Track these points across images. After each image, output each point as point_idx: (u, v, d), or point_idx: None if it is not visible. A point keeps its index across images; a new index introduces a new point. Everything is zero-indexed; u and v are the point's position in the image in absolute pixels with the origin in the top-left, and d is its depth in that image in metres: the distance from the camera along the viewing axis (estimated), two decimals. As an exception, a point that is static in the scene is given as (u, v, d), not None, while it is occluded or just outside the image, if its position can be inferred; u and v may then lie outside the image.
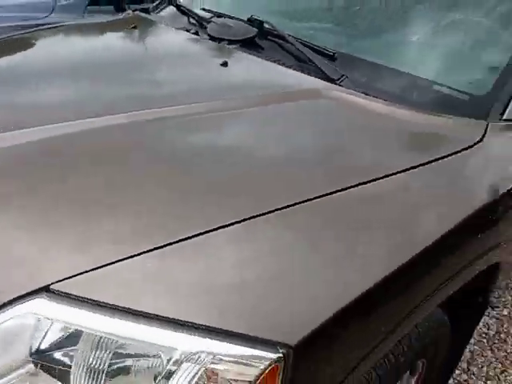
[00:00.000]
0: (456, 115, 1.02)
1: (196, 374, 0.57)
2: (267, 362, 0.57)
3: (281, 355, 0.57)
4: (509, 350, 1.97)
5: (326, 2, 1.60)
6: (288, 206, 0.73)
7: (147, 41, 1.50)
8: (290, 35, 1.26)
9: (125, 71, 1.21)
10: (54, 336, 0.60)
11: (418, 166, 0.86)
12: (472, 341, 1.97)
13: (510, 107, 1.02)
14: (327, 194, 0.76)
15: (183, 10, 1.70)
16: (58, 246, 0.67)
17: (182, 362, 0.57)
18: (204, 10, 1.65)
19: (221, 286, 0.63)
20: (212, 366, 0.57)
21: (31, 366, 0.60)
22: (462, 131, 0.98)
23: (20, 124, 0.87)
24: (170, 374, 0.58)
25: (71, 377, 0.59)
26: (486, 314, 2.14)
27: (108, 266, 0.62)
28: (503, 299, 2.26)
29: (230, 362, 0.58)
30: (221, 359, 0.57)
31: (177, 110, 0.96)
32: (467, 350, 1.91)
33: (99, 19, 1.90)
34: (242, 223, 0.70)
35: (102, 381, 0.58)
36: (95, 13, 3.37)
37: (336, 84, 1.10)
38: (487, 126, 1.00)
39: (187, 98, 1.02)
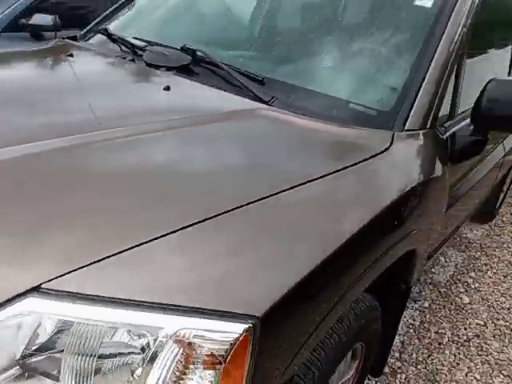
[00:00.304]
0: (368, 127, 1.22)
1: (177, 350, 0.66)
2: (240, 331, 0.68)
3: (250, 325, 0.68)
4: (432, 337, 2.21)
5: (249, 33, 1.77)
6: (232, 210, 0.85)
7: (85, 68, 1.55)
8: (222, 62, 1.40)
9: (66, 98, 1.27)
10: (46, 332, 0.66)
11: (338, 170, 1.02)
12: (401, 332, 2.19)
13: (409, 120, 1.24)
14: (260, 199, 0.88)
15: (114, 39, 1.78)
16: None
17: (165, 342, 0.66)
18: (136, 38, 1.74)
19: (194, 273, 0.72)
20: (191, 340, 0.66)
21: (19, 367, 0.65)
22: (373, 140, 1.17)
23: None
24: (155, 355, 0.66)
25: (62, 370, 0.64)
26: (411, 307, 2.39)
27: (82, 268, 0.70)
28: (423, 293, 2.54)
29: (206, 335, 0.67)
30: (198, 334, 0.67)
31: (126, 130, 1.04)
32: (398, 340, 2.12)
33: (35, 47, 1.90)
34: (199, 225, 0.80)
35: (91, 368, 0.65)
36: (10, 39, 3.33)
37: (268, 104, 1.25)
38: (393, 135, 1.20)
39: (138, 118, 1.11)
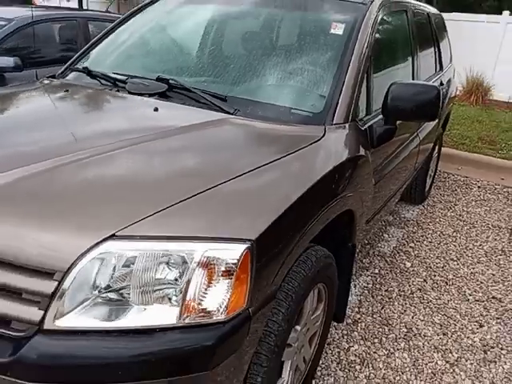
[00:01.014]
0: (307, 125, 1.68)
1: (204, 267, 1.07)
2: (244, 249, 1.09)
3: (249, 245, 1.10)
4: (383, 294, 2.67)
5: (208, 61, 2.22)
6: (220, 184, 1.27)
7: (83, 99, 1.93)
8: (192, 87, 1.83)
9: (83, 120, 1.66)
10: (118, 266, 1.06)
11: (289, 154, 1.47)
12: (358, 292, 2.66)
13: (335, 116, 1.72)
14: (239, 175, 1.32)
15: (94, 74, 2.15)
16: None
17: (196, 263, 1.06)
18: (115, 73, 2.12)
19: (210, 218, 1.15)
20: (213, 258, 1.08)
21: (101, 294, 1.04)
22: (312, 133, 1.63)
23: None
24: (191, 273, 1.07)
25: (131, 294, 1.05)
26: (364, 274, 2.87)
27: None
28: (373, 263, 3.03)
29: (223, 254, 1.08)
30: (212, 256, 1.08)
31: (141, 138, 1.46)
32: (355, 299, 2.58)
33: (26, 86, 2.22)
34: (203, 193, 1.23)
35: (152, 290, 1.04)
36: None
37: (233, 115, 1.69)
38: (325, 128, 1.67)
39: (144, 130, 1.52)
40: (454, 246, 3.35)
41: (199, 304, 1.09)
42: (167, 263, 1.07)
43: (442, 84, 3.38)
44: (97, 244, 1.05)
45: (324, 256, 1.64)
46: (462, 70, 7.75)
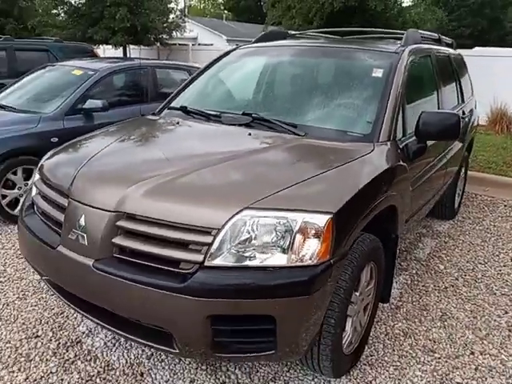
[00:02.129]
0: (360, 143, 2.30)
1: (303, 229, 1.66)
2: (328, 218, 1.68)
3: (331, 216, 1.70)
4: (420, 289, 3.14)
5: (276, 99, 2.90)
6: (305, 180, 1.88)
7: (192, 128, 2.62)
8: (272, 118, 2.49)
9: (194, 144, 2.33)
10: (252, 228, 1.66)
11: (351, 161, 2.08)
12: (399, 287, 3.15)
13: (380, 137, 2.32)
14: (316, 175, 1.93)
15: (189, 111, 2.84)
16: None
17: (297, 227, 1.66)
18: (208, 110, 2.80)
19: (307, 194, 1.76)
20: (308, 223, 1.67)
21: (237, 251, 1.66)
22: (365, 148, 2.24)
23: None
24: (294, 234, 1.66)
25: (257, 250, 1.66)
26: (403, 274, 3.36)
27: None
28: (410, 266, 3.52)
29: (315, 221, 1.67)
30: (308, 221, 1.67)
31: (246, 152, 2.14)
32: (397, 292, 3.08)
33: (143, 120, 2.94)
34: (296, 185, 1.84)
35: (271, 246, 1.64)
36: (74, 120, 4.40)
37: (303, 137, 2.33)
38: (374, 145, 2.28)
39: (247, 146, 2.18)
40: (483, 253, 3.80)
41: (299, 254, 1.68)
42: (280, 225, 1.68)
43: (464, 113, 3.94)
44: (237, 213, 1.67)
45: (375, 241, 2.20)
46: (486, 102, 8.29)
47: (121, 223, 1.78)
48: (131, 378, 2.25)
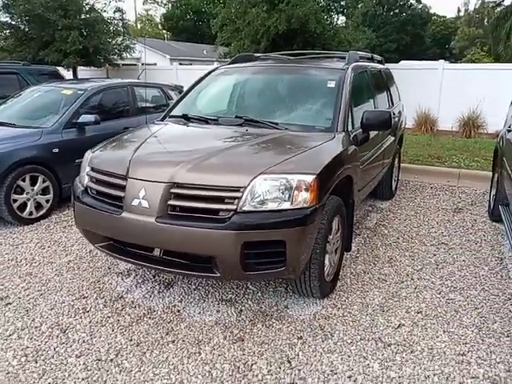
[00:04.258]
0: (324, 133, 3.25)
1: (297, 186, 2.56)
2: (314, 176, 2.60)
3: (315, 175, 2.62)
4: (372, 246, 4.14)
5: (262, 103, 3.80)
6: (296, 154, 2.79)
7: (200, 129, 3.46)
8: (258, 119, 3.38)
9: (209, 138, 3.19)
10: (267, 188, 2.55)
11: (318, 145, 3.02)
12: (355, 245, 4.12)
13: (338, 129, 3.29)
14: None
15: (190, 117, 3.69)
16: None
17: (294, 185, 2.55)
18: (206, 116, 3.66)
19: (299, 163, 2.67)
20: (300, 182, 2.57)
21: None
22: (329, 136, 3.19)
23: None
24: (292, 189, 2.56)
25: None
26: (357, 239, 4.34)
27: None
28: (362, 232, 4.52)
29: (305, 179, 2.58)
30: (301, 180, 2.57)
31: (251, 140, 3.00)
32: (355, 248, 4.05)
33: (157, 125, 3.73)
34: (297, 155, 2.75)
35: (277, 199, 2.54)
36: (70, 132, 5.05)
37: (285, 130, 3.24)
38: (334, 134, 3.24)
39: (249, 138, 3.06)
40: (416, 220, 4.90)
41: (297, 200, 2.57)
42: (283, 183, 2.56)
43: (393, 114, 5.07)
44: (255, 176, 2.53)
45: (339, 201, 3.14)
46: (412, 108, 9.76)
47: (174, 190, 2.59)
48: (171, 315, 3.00)
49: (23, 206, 4.62)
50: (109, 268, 3.67)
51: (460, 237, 4.43)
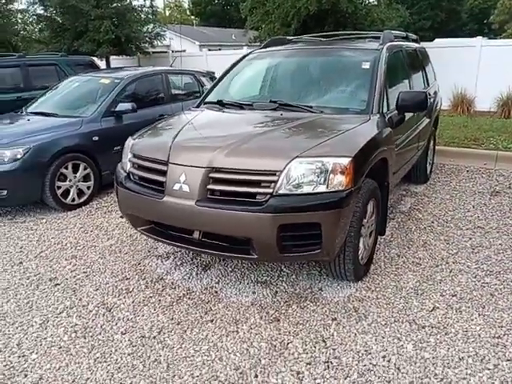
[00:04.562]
0: (360, 115, 3.25)
1: (333, 169, 2.60)
2: (350, 159, 2.62)
3: (352, 158, 2.64)
4: (406, 230, 4.12)
5: (295, 89, 3.82)
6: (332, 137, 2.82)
7: (236, 114, 3.54)
8: (292, 103, 3.41)
9: (248, 123, 3.27)
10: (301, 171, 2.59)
11: (358, 125, 3.03)
12: (389, 230, 4.11)
13: (373, 111, 3.28)
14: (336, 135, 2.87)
15: (225, 103, 3.74)
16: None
17: (330, 168, 2.59)
18: (241, 101, 3.72)
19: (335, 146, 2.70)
20: (337, 166, 2.60)
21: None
22: (364, 117, 3.18)
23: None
24: (328, 172, 2.60)
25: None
26: (392, 222, 4.33)
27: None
28: (396, 216, 4.50)
29: (341, 162, 2.60)
30: (336, 163, 2.60)
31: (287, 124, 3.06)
32: (389, 232, 4.05)
33: (196, 110, 3.83)
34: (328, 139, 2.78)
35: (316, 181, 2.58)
36: (109, 121, 5.21)
37: (320, 114, 3.26)
38: (369, 116, 3.23)
39: (286, 122, 3.10)
40: (451, 204, 4.83)
41: (333, 183, 2.60)
42: (319, 166, 2.59)
43: (429, 94, 4.96)
44: (291, 160, 2.58)
45: (374, 184, 3.14)
46: (448, 88, 9.47)
47: (213, 175, 2.67)
48: (209, 295, 3.12)
49: (66, 193, 4.85)
50: (148, 251, 3.83)
51: (497, 220, 4.34)
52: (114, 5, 14.02)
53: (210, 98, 4.03)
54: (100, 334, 2.73)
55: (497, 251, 3.67)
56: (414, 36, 5.33)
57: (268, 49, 4.40)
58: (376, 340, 2.59)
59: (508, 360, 2.40)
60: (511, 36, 23.86)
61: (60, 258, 3.75)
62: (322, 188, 2.59)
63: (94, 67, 8.71)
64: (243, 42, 26.53)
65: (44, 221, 4.63)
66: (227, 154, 2.72)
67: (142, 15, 14.76)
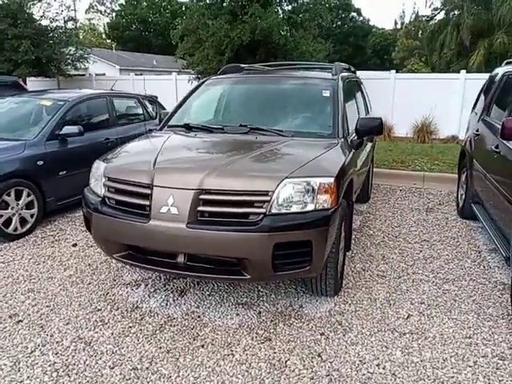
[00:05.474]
0: (328, 139, 3.45)
1: (318, 189, 2.73)
2: (333, 179, 2.77)
3: (333, 178, 2.79)
4: (362, 245, 4.39)
5: (259, 114, 3.94)
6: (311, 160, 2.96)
7: (206, 138, 3.53)
8: (262, 127, 3.52)
9: (223, 145, 3.28)
10: (293, 190, 2.69)
11: (331, 148, 3.23)
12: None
13: (339, 135, 3.51)
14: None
15: (192, 126, 3.76)
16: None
17: (316, 187, 2.72)
18: (206, 125, 3.75)
19: (319, 169, 2.83)
20: (321, 185, 2.73)
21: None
22: (335, 141, 3.39)
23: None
24: (314, 191, 2.72)
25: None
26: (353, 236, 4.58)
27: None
28: (353, 232, 4.78)
29: (325, 182, 2.74)
30: (323, 182, 2.74)
31: (263, 147, 3.13)
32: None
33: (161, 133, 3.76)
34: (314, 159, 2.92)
35: (303, 200, 2.69)
36: (53, 144, 4.91)
37: (292, 137, 3.41)
38: (338, 140, 3.45)
39: (261, 145, 3.19)
40: (395, 220, 5.24)
41: (320, 202, 2.73)
42: (306, 186, 2.71)
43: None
44: (282, 180, 2.67)
45: (345, 203, 3.34)
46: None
47: (203, 196, 2.66)
48: (192, 321, 3.04)
49: (8, 222, 4.43)
50: (114, 280, 3.64)
51: (438, 234, 4.80)
52: (34, 24, 13.29)
53: (173, 122, 4.01)
54: (85, 370, 2.53)
55: (446, 261, 4.06)
56: (352, 68, 5.79)
57: (226, 75, 4.52)
58: (366, 350, 2.72)
59: (483, 356, 2.67)
60: (410, 71, 26.65)
61: (15, 293, 3.41)
62: (311, 207, 2.71)
63: (20, 88, 8.15)
64: (167, 68, 26.53)
65: (-16, 254, 4.18)
66: (217, 175, 2.74)
67: (64, 37, 14.13)
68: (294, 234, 2.65)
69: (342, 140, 3.52)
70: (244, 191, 2.67)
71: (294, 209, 2.69)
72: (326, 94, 3.87)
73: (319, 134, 3.56)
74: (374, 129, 3.77)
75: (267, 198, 2.65)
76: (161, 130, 3.96)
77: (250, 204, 2.68)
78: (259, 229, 2.59)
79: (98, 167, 3.17)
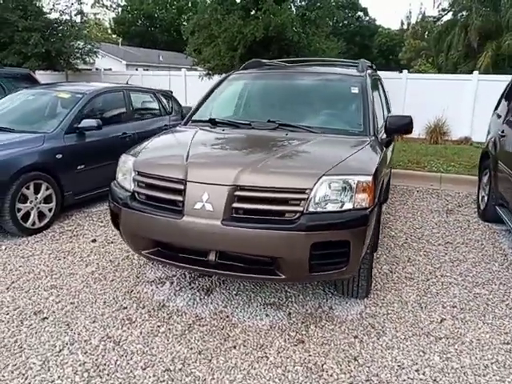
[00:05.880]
0: (362, 136, 3.37)
1: (356, 187, 2.64)
2: (371, 177, 2.69)
3: (371, 176, 2.71)
4: (386, 246, 4.32)
5: (284, 109, 3.86)
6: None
7: (240, 133, 3.46)
8: (291, 124, 3.44)
9: (254, 141, 3.22)
10: (331, 188, 2.61)
11: (366, 145, 3.14)
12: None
13: (369, 133, 3.43)
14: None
15: (218, 122, 3.67)
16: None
17: (354, 185, 2.64)
18: (233, 121, 3.67)
19: (359, 165, 2.75)
20: (359, 183, 2.65)
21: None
22: (367, 139, 3.31)
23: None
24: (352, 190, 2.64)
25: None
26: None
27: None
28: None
29: (364, 180, 2.66)
30: (360, 181, 2.65)
31: (293, 144, 3.06)
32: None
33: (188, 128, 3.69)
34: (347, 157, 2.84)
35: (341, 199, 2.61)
36: (72, 138, 4.83)
37: (321, 134, 3.33)
38: (369, 137, 3.36)
39: (291, 141, 3.11)
40: (416, 222, 5.15)
41: (357, 201, 2.65)
42: (344, 184, 2.63)
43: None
44: (319, 178, 2.59)
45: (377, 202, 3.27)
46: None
47: (238, 193, 2.59)
48: (221, 321, 2.97)
49: (26, 216, 4.36)
50: (137, 277, 3.57)
51: (461, 236, 4.71)
52: (45, 17, 13.20)
53: (197, 117, 3.93)
54: (117, 371, 2.45)
55: (473, 264, 3.98)
56: (374, 66, 5.70)
57: (250, 70, 4.43)
58: (403, 354, 2.65)
59: (525, 364, 2.59)
60: (418, 72, 26.52)
61: (38, 289, 3.34)
62: (349, 206, 2.63)
63: (32, 80, 8.07)
64: (172, 64, 26.42)
65: (3, 248, 4.11)
66: (252, 171, 2.66)
67: (74, 30, 14.04)
68: (331, 234, 2.57)
69: (373, 138, 3.44)
70: (280, 188, 2.59)
71: (331, 207, 2.61)
72: (355, 90, 3.78)
73: (350, 131, 3.48)
74: (403, 127, 3.68)
75: (304, 196, 2.57)
76: (185, 124, 3.88)
77: (286, 202, 2.60)
78: (297, 227, 2.51)
79: (126, 161, 3.09)
